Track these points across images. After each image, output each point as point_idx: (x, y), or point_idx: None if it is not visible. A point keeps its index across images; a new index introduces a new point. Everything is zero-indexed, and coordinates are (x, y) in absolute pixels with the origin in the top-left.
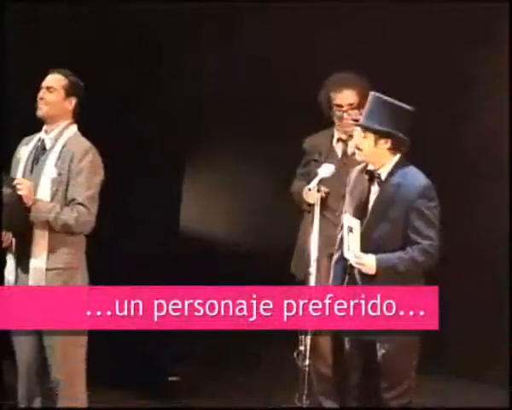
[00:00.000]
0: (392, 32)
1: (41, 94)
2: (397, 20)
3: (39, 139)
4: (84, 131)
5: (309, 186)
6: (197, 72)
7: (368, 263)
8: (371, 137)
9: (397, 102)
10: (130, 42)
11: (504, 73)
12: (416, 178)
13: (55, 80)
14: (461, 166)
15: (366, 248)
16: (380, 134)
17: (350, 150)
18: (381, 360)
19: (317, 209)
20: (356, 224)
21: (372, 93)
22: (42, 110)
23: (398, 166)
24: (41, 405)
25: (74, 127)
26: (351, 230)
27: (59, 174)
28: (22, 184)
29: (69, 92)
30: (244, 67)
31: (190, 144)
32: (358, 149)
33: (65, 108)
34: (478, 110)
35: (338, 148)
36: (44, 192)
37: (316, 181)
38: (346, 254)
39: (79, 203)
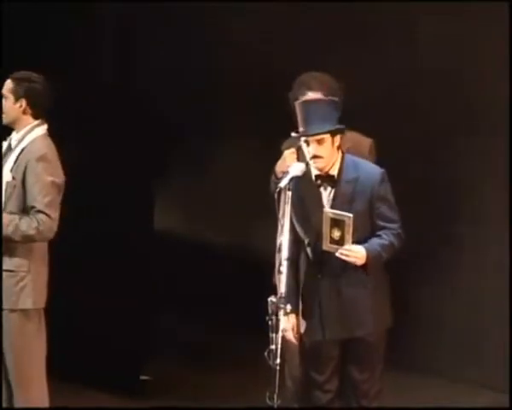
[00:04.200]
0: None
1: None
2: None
3: (11, 138)
4: (54, 132)
5: (280, 185)
6: (182, 70)
7: (360, 254)
8: (328, 139)
9: (326, 98)
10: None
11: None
12: (368, 167)
13: (5, 86)
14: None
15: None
16: (335, 133)
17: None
18: (361, 350)
19: (287, 208)
20: (348, 217)
21: (299, 102)
22: (2, 119)
23: (343, 161)
24: None
25: (39, 130)
26: (340, 223)
27: (13, 178)
28: None
29: (17, 95)
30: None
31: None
32: (319, 157)
33: (17, 112)
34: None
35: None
36: (3, 195)
37: (287, 180)
38: (327, 248)
39: (39, 211)
